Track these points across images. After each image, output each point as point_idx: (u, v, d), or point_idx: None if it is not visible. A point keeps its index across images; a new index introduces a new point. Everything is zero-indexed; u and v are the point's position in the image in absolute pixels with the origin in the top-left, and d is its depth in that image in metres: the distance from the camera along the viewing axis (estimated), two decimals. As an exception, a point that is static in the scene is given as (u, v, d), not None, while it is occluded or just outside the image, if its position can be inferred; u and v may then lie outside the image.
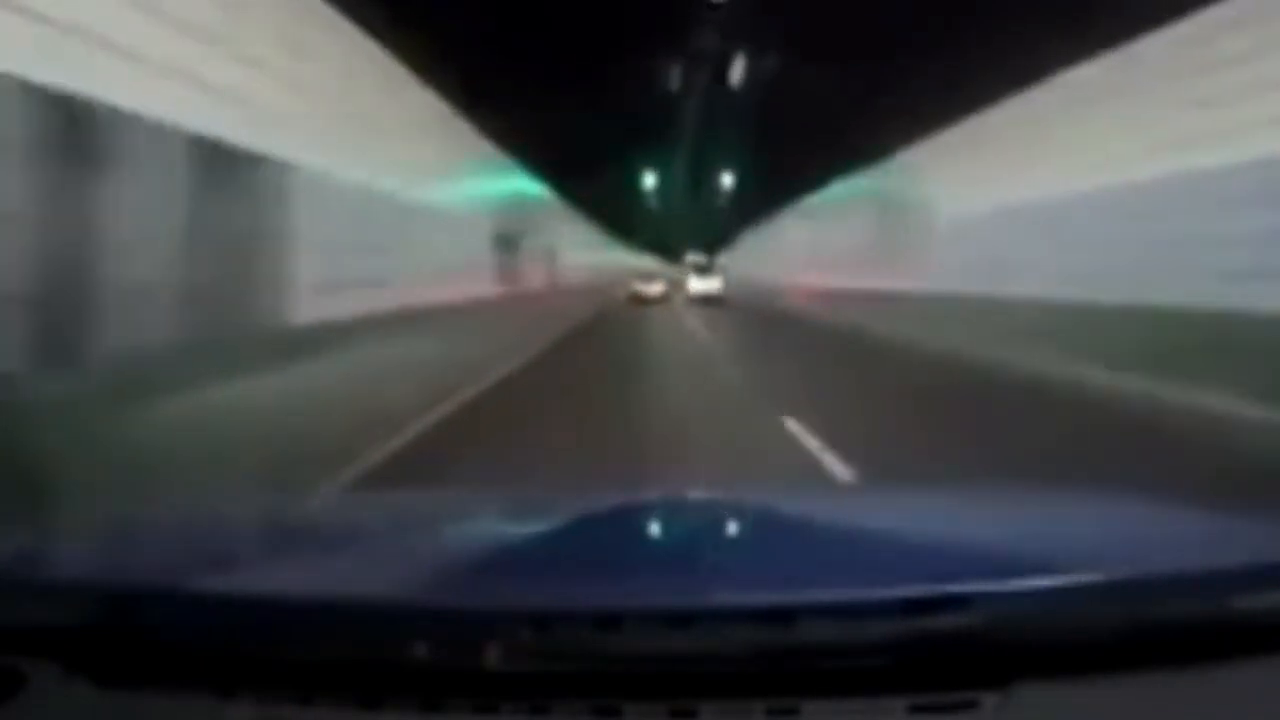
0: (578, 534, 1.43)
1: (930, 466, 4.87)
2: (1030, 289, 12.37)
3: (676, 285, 44.29)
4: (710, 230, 55.08)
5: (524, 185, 23.72)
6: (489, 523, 1.52)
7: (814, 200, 29.24)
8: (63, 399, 4.53)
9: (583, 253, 38.28)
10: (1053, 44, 10.65)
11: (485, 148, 18.34)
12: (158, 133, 6.14)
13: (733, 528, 1.45)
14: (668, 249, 64.46)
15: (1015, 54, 11.32)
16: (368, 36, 10.95)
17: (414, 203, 12.55)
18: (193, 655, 0.93)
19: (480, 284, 16.85)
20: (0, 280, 4.72)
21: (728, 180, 35.82)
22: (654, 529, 1.49)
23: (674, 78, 17.46)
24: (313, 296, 8.72)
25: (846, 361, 12.38)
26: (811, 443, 5.82)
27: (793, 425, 6.37)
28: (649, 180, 36.81)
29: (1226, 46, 8.63)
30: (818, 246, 29.35)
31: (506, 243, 19.97)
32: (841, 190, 24.96)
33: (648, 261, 56.08)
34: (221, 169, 7.07)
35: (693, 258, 48.16)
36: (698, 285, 36.34)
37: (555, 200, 29.70)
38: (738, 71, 16.06)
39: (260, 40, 7.75)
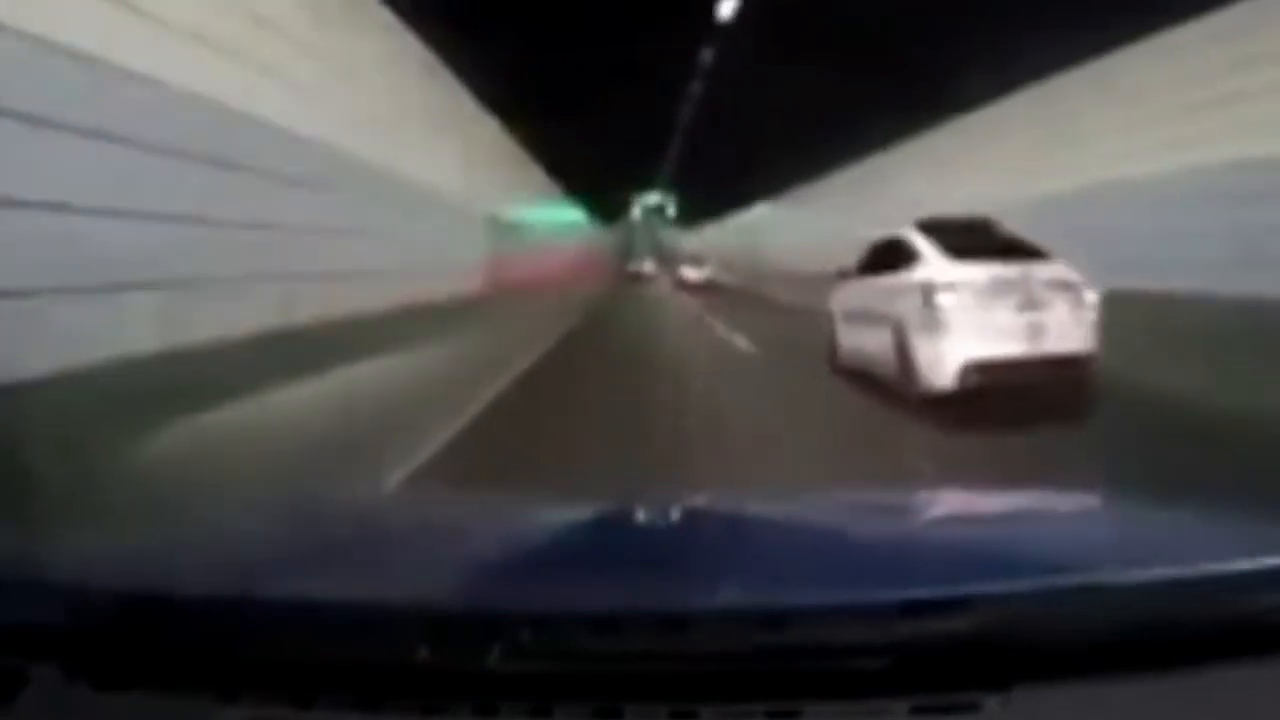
0: (578, 536, 1.43)
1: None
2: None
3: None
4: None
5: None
6: (489, 525, 1.52)
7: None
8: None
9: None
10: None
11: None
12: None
13: (734, 530, 1.45)
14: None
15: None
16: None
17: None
18: (193, 658, 0.93)
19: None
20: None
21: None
22: (654, 531, 1.49)
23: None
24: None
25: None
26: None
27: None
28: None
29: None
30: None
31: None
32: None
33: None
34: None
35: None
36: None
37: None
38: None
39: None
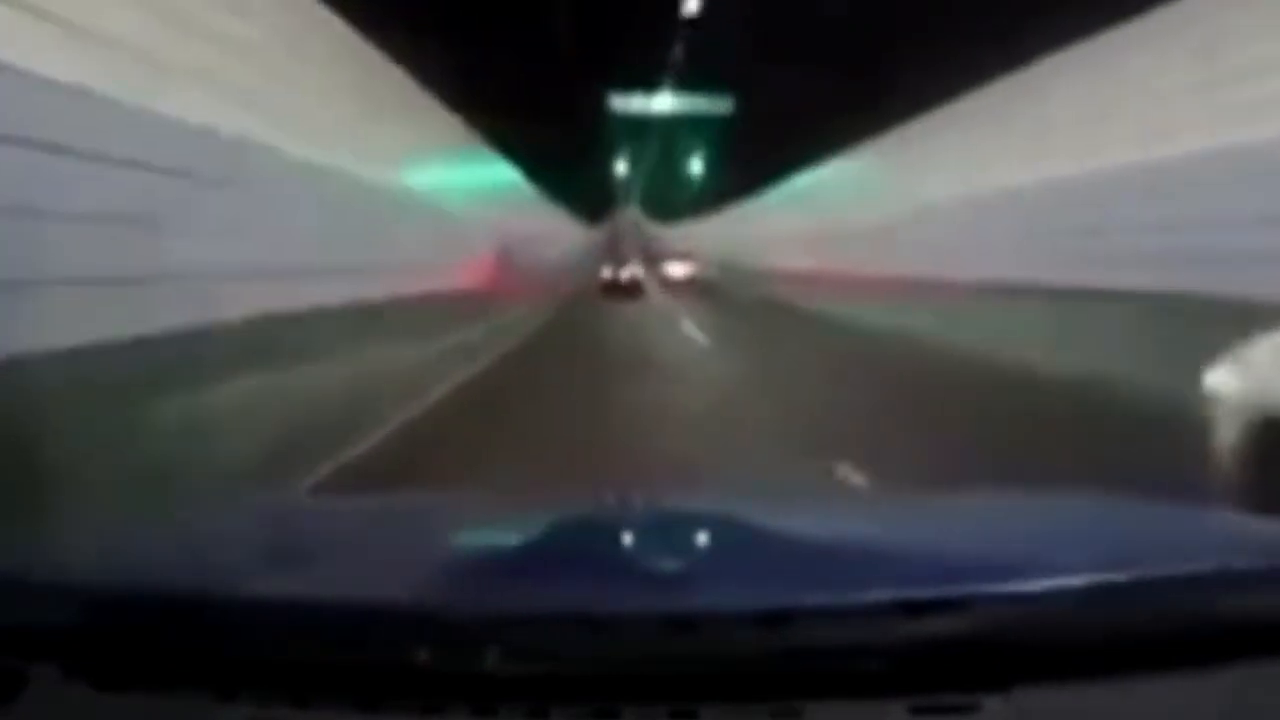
0: (577, 537, 1.43)
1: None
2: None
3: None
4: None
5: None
6: (487, 525, 1.52)
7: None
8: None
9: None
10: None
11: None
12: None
13: (733, 530, 1.45)
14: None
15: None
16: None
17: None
18: (192, 657, 0.93)
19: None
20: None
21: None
22: (654, 532, 1.49)
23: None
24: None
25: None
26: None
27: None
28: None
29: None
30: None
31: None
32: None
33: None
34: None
35: None
36: None
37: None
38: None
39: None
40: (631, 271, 29.16)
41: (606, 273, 29.32)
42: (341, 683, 0.88)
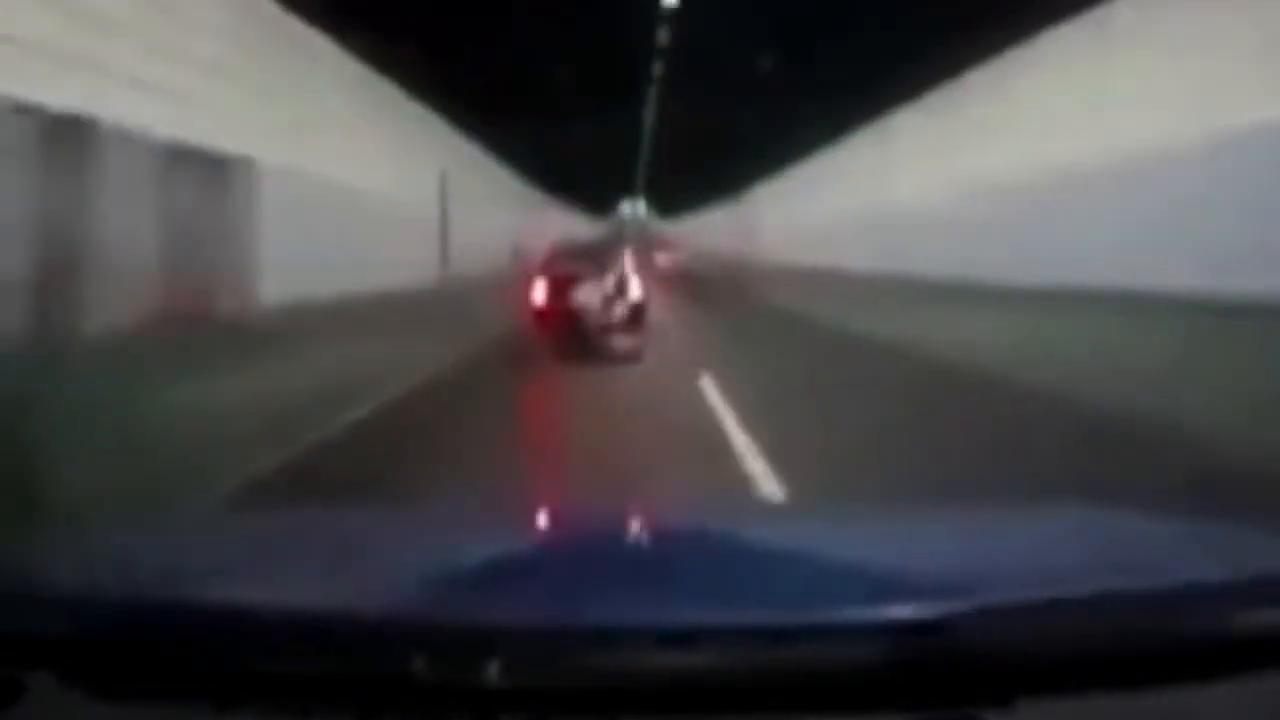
0: (577, 551, 1.43)
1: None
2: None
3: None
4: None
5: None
6: (487, 538, 1.52)
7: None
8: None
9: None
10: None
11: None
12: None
13: (732, 547, 1.44)
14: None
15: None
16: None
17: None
18: (190, 667, 0.92)
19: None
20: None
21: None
22: (651, 547, 1.48)
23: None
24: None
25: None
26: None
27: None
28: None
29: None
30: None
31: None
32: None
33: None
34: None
35: None
36: None
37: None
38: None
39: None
40: (612, 287, 11.59)
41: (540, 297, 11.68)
42: (340, 695, 0.87)
